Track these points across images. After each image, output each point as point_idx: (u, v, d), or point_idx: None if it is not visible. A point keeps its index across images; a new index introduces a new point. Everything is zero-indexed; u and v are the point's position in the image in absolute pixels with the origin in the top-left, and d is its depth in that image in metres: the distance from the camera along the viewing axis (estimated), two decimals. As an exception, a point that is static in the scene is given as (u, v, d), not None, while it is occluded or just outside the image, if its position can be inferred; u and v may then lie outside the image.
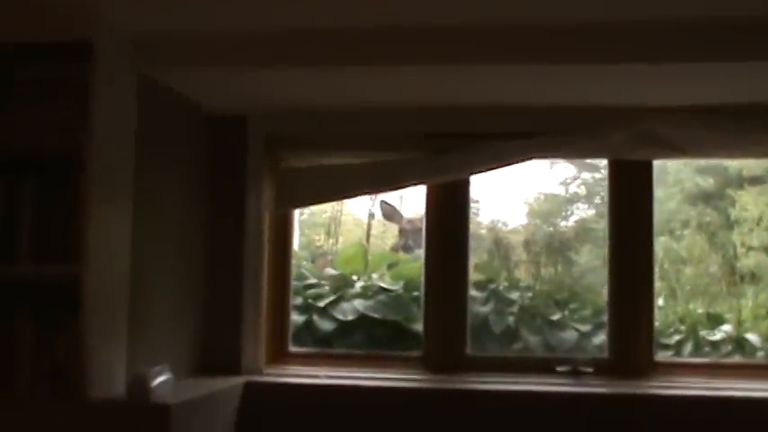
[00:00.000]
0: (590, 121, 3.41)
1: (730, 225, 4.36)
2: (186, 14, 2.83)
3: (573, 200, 4.83)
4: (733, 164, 4.43)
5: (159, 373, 2.83)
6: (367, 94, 3.39)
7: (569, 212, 4.83)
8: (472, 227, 3.75)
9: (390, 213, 4.53)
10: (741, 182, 4.45)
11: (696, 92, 3.24)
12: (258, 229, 3.63)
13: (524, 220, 4.60)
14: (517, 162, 3.48)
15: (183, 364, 3.39)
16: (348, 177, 3.58)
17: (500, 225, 4.50)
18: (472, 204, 3.82)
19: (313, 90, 3.36)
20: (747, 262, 4.23)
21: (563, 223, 4.69)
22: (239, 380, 3.39)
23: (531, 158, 3.49)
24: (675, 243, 4.34)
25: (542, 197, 4.74)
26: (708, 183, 4.64)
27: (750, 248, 4.27)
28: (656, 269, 3.60)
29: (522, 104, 3.44)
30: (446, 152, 3.50)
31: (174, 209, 3.35)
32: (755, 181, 4.42)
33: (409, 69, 3.02)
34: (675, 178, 4.65)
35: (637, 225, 3.52)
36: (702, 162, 4.62)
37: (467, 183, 3.64)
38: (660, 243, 4.12)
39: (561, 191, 4.80)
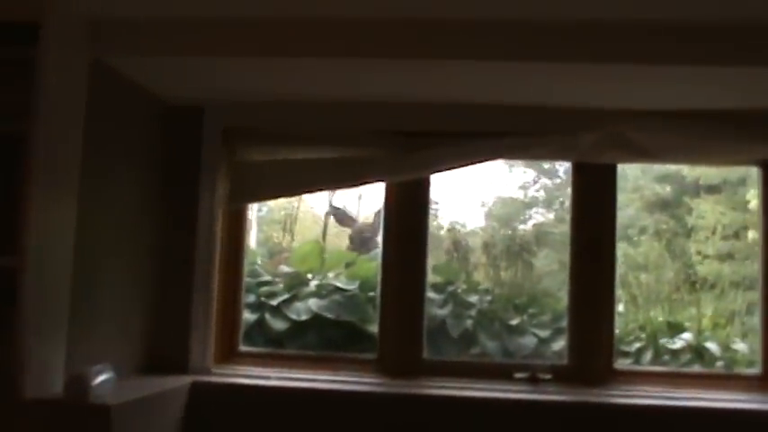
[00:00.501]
0: (559, 122, 3.34)
1: (687, 233, 4.34)
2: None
3: (532, 204, 4.80)
4: (691, 172, 4.40)
5: (100, 372, 2.70)
6: (329, 86, 3.27)
7: (528, 216, 4.78)
8: (431, 228, 3.65)
9: (341, 218, 4.43)
10: (698, 190, 4.44)
11: (668, 96, 3.18)
12: (211, 224, 3.49)
13: (483, 223, 4.53)
14: (483, 161, 3.41)
15: (129, 362, 3.26)
16: (306, 173, 3.46)
17: (458, 227, 4.44)
18: (432, 205, 3.73)
19: (273, 81, 3.24)
20: (703, 270, 4.19)
21: (521, 227, 4.61)
22: (186, 380, 3.25)
23: (497, 158, 3.43)
24: (633, 249, 4.28)
25: (501, 201, 4.69)
26: (665, 190, 4.59)
27: (706, 257, 4.24)
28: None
29: (490, 103, 3.34)
30: (410, 150, 3.40)
31: (124, 201, 3.20)
32: (712, 189, 4.41)
33: (373, 62, 2.92)
34: (634, 185, 4.59)
35: (599, 229, 3.44)
36: (661, 169, 4.62)
37: (427, 181, 3.54)
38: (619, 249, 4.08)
39: (520, 195, 4.77)
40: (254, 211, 4.53)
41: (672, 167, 4.59)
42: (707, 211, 4.42)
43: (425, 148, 3.37)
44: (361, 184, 3.55)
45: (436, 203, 4.29)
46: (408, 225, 3.52)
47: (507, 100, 3.31)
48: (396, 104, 3.39)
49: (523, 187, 4.85)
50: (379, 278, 3.55)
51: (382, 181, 3.51)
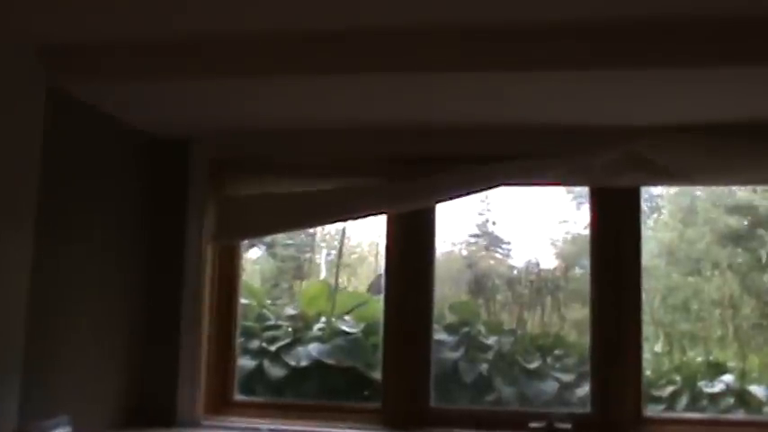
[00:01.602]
0: (569, 142, 3.03)
1: (762, 267, 4.00)
2: (108, 20, 2.43)
3: None
4: (762, 201, 4.09)
5: (52, 428, 2.45)
6: (322, 111, 3.02)
7: None
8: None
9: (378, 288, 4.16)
10: None
11: (691, 107, 2.83)
12: (198, 262, 3.25)
13: (554, 262, 4.20)
14: (487, 188, 3.13)
15: (104, 414, 3.02)
16: (299, 207, 3.21)
17: (532, 266, 4.09)
18: (503, 246, 3.40)
19: (263, 108, 3.01)
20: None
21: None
22: (168, 433, 3.00)
23: (505, 184, 3.13)
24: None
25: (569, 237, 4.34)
26: (739, 223, 4.28)
27: None
28: (647, 308, 3.18)
29: (494, 124, 3.06)
30: (411, 177, 3.12)
31: (99, 239, 2.98)
32: None
33: (368, 78, 2.64)
34: (705, 217, 4.31)
35: (622, 263, 3.10)
36: (731, 200, 4.29)
37: (432, 211, 3.25)
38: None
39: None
40: (322, 255, 4.36)
41: (742, 197, 4.27)
42: None
43: (428, 175, 3.09)
44: (358, 217, 3.27)
45: (508, 243, 4.08)
46: (412, 260, 3.23)
47: (514, 120, 3.02)
48: (394, 128, 3.12)
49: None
50: (382, 320, 3.26)
51: (382, 213, 3.24)
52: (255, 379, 3.51)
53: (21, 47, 2.55)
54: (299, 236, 4.37)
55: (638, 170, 2.99)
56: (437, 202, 3.21)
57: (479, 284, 4.02)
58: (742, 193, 4.30)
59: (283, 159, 3.27)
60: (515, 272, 4.07)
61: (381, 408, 3.20)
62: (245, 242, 3.61)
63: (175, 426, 3.12)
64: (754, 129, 2.89)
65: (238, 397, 3.36)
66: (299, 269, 4.47)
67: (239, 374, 3.40)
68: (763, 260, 4.01)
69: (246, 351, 3.57)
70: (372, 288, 4.11)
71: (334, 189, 3.19)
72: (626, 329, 3.05)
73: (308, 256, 4.45)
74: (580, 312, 3.86)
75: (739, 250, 4.15)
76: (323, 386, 3.46)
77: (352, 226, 4.20)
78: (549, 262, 4.11)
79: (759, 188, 4.07)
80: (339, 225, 4.28)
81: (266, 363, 3.52)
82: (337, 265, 4.07)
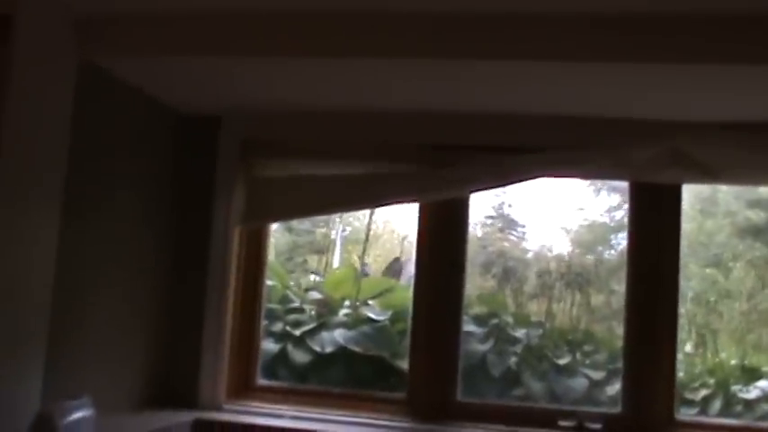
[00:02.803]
0: (609, 135, 2.94)
1: None
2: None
3: (616, 229, 4.35)
4: None
5: (75, 409, 2.39)
6: (357, 95, 2.95)
7: (613, 242, 4.35)
8: (517, 252, 3.23)
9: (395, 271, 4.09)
10: None
11: (736, 104, 2.74)
12: (225, 244, 3.20)
13: (568, 248, 4.14)
14: (524, 180, 3.02)
15: (128, 396, 2.98)
16: (330, 190, 3.13)
17: (545, 251, 4.04)
18: (518, 229, 3.35)
19: (295, 88, 2.93)
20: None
21: (606, 253, 4.19)
22: (188, 417, 2.94)
23: (540, 176, 3.02)
24: (724, 277, 3.87)
25: (584, 225, 4.27)
26: (759, 216, 4.18)
27: None
28: (682, 310, 3.08)
29: (532, 114, 2.97)
30: (444, 166, 3.04)
31: (125, 218, 2.92)
32: None
33: (404, 63, 2.56)
34: (726, 210, 4.22)
35: (660, 258, 3.00)
36: (753, 193, 4.18)
37: (466, 201, 3.17)
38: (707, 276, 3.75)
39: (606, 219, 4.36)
40: (338, 231, 4.30)
41: (764, 191, 4.12)
42: None
43: (460, 164, 3.01)
44: (389, 204, 3.18)
45: (523, 227, 4.02)
46: (445, 249, 3.15)
47: (551, 110, 2.93)
48: (430, 115, 3.04)
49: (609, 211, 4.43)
50: (410, 308, 3.19)
51: (414, 201, 3.16)
52: (279, 363, 3.44)
53: (53, 20, 2.48)
54: None
55: (680, 167, 2.88)
56: (471, 192, 3.12)
57: (506, 273, 3.95)
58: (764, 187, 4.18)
59: (315, 142, 3.18)
60: (529, 254, 4.02)
61: (407, 398, 3.14)
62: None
63: (197, 409, 3.07)
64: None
65: (261, 381, 3.30)
66: (314, 244, 4.42)
67: (262, 358, 3.34)
68: None
69: (270, 334, 3.50)
70: (389, 271, 4.04)
71: (366, 174, 3.11)
72: (661, 327, 2.97)
73: (324, 231, 4.40)
74: (608, 306, 3.79)
75: (758, 244, 4.07)
76: (348, 373, 3.40)
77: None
78: (564, 247, 4.07)
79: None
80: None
81: (290, 347, 3.46)
82: (363, 249, 3.99)
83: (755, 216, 4.16)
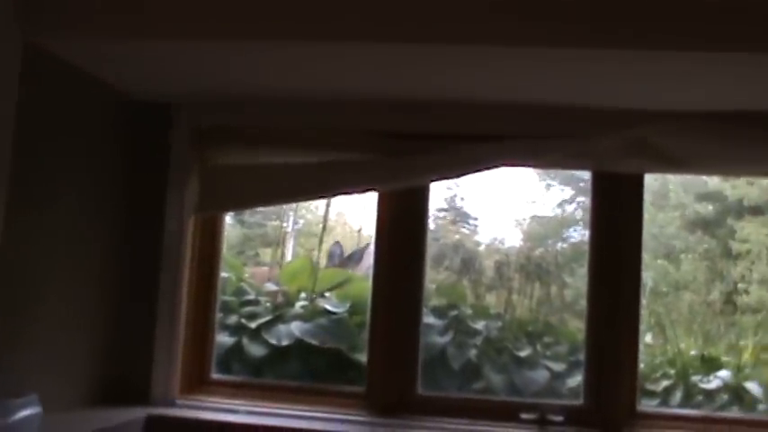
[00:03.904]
0: (572, 124, 2.90)
1: (729, 254, 3.94)
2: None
3: (569, 223, 4.37)
4: (733, 191, 4.05)
5: (20, 408, 2.29)
6: (313, 81, 2.85)
7: (565, 235, 4.34)
8: (469, 245, 3.27)
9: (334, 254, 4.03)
10: (741, 211, 4.08)
11: (703, 93, 2.71)
12: (179, 235, 3.10)
13: (520, 242, 4.13)
14: (486, 168, 2.97)
15: (75, 393, 2.86)
16: (287, 179, 3.05)
17: (497, 244, 4.01)
18: (470, 222, 3.35)
19: (251, 74, 2.83)
20: (746, 296, 3.78)
21: (559, 245, 4.18)
22: (140, 413, 2.84)
23: (501, 165, 2.97)
24: (674, 268, 3.91)
25: (536, 219, 4.26)
26: (707, 210, 4.25)
27: (749, 282, 3.85)
28: (644, 301, 3.06)
29: (492, 102, 2.90)
30: (403, 154, 2.97)
31: (73, 207, 2.80)
32: (757, 211, 4.06)
33: (362, 48, 2.47)
34: (676, 203, 4.28)
35: (622, 249, 2.98)
36: (702, 187, 4.28)
37: (426, 190, 3.11)
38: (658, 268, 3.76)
39: (557, 213, 4.35)
40: (290, 223, 4.21)
41: (712, 185, 4.22)
42: (751, 233, 3.99)
43: (423, 153, 2.95)
44: (347, 193, 3.10)
45: (475, 219, 3.98)
46: (404, 240, 3.09)
47: (512, 97, 2.87)
48: (389, 102, 2.96)
49: (560, 206, 4.43)
50: (369, 300, 3.12)
51: (373, 189, 3.09)
52: (233, 357, 3.35)
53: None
54: None
55: (643, 156, 2.86)
56: (430, 182, 3.07)
57: (464, 265, 3.90)
58: (713, 180, 4.27)
59: (270, 130, 3.09)
60: (482, 248, 3.98)
61: (365, 392, 3.07)
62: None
63: (149, 404, 2.98)
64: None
65: (215, 375, 3.21)
66: (267, 237, 4.34)
67: (216, 352, 3.25)
68: (732, 249, 3.96)
69: (224, 327, 3.40)
70: (330, 258, 3.97)
71: (324, 162, 3.03)
72: (623, 319, 2.94)
73: (276, 224, 4.32)
74: (565, 296, 3.78)
75: (707, 237, 4.10)
76: (304, 367, 3.30)
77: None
78: (515, 240, 4.07)
79: (731, 177, 4.01)
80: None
81: (245, 340, 3.36)
82: (320, 238, 3.91)
83: (704, 209, 4.19)
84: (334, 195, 3.32)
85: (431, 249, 3.27)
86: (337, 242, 4.03)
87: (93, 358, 2.96)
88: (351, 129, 3.06)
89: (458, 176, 3.02)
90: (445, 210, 4.08)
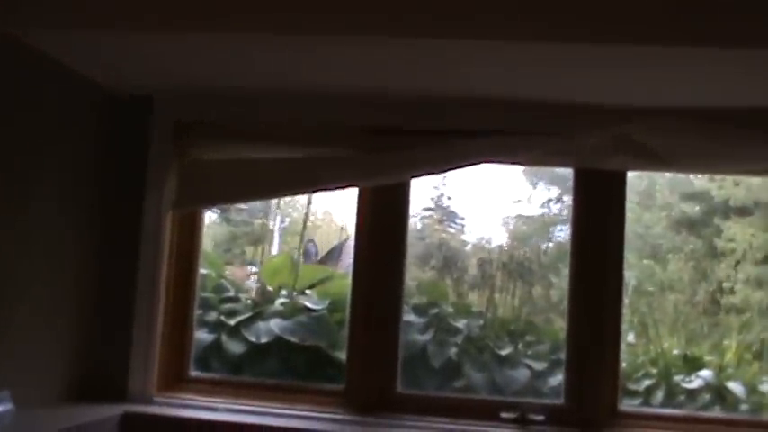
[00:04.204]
0: (556, 120, 2.88)
1: (715, 254, 3.94)
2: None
3: (554, 222, 4.37)
4: (719, 192, 4.05)
5: (-8, 403, 2.26)
6: (296, 75, 2.80)
7: (550, 235, 4.34)
8: (455, 244, 3.26)
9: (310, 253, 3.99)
10: (727, 211, 4.08)
11: (689, 90, 2.68)
12: (157, 230, 3.06)
13: (505, 240, 4.10)
14: (466, 165, 2.94)
15: (55, 389, 2.83)
16: (266, 175, 3.02)
17: (483, 243, 3.99)
18: (457, 221, 3.33)
19: (232, 67, 2.78)
20: (730, 295, 3.77)
21: (544, 245, 4.16)
22: (116, 410, 2.80)
23: (483, 161, 2.95)
24: (660, 268, 3.89)
25: (522, 218, 4.25)
26: (693, 210, 4.25)
27: (735, 282, 3.84)
28: (626, 300, 3.04)
29: (477, 97, 2.87)
30: (385, 150, 2.94)
31: (48, 201, 2.76)
32: (743, 211, 4.05)
33: (345, 41, 2.43)
34: (663, 203, 4.28)
35: (605, 248, 2.95)
36: (688, 187, 4.28)
37: (407, 186, 3.08)
38: (642, 267, 3.75)
39: (543, 212, 4.37)
40: (276, 221, 4.20)
41: (699, 185, 4.22)
42: (736, 233, 4.00)
43: (402, 148, 2.92)
44: (328, 189, 3.07)
45: (462, 219, 3.97)
46: (384, 236, 3.06)
47: (498, 93, 2.84)
48: (370, 97, 2.93)
49: (545, 205, 4.44)
50: (348, 297, 3.09)
51: (353, 185, 3.05)
52: (212, 354, 3.31)
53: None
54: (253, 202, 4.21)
55: (627, 153, 2.84)
56: (412, 178, 3.03)
57: (447, 263, 3.88)
58: (699, 180, 4.27)
59: (251, 124, 3.05)
60: (468, 247, 3.98)
61: (344, 390, 3.04)
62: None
63: (126, 401, 2.93)
64: (755, 116, 2.75)
65: (193, 373, 3.17)
66: (253, 235, 4.31)
67: (195, 349, 3.21)
68: (718, 248, 3.96)
69: (203, 324, 3.37)
70: (306, 256, 3.94)
71: (304, 158, 3.00)
72: (605, 318, 2.91)
73: (261, 222, 4.29)
74: (550, 296, 3.77)
75: (692, 237, 4.09)
76: (283, 365, 3.28)
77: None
78: (501, 239, 4.04)
79: (717, 177, 4.02)
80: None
81: (224, 337, 3.33)
82: (301, 236, 3.88)
83: (690, 209, 4.19)
84: (316, 191, 3.28)
85: (416, 248, 3.25)
86: (311, 240, 4.00)
87: (70, 355, 2.91)
88: (332, 124, 3.02)
89: (440, 172, 3.02)
90: (432, 209, 4.07)
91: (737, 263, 3.87)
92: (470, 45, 2.38)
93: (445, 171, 3.00)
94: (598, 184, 2.97)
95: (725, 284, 3.81)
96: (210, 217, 4.26)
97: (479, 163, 2.93)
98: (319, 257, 3.99)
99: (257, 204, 4.17)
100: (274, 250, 4.14)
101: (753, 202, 4.02)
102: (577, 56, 2.41)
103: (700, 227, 4.17)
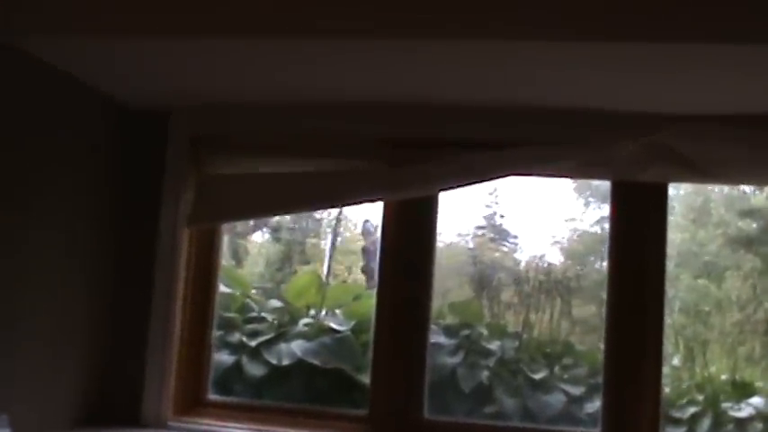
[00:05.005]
0: (591, 129, 2.71)
1: None
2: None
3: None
4: None
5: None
6: (314, 85, 2.68)
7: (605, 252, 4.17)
8: (509, 263, 3.24)
9: (368, 231, 3.86)
10: None
11: (730, 94, 2.49)
12: (173, 247, 2.94)
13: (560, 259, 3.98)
14: (496, 177, 2.80)
15: (63, 413, 2.72)
16: (286, 189, 2.89)
17: (536, 262, 3.82)
18: (509, 240, 3.31)
19: (248, 78, 2.68)
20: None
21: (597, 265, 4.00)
22: (127, 436, 2.69)
23: (513, 174, 2.78)
24: (716, 287, 3.73)
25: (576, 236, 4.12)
26: (751, 227, 4.05)
27: None
28: (670, 320, 2.84)
29: (504, 105, 2.72)
30: (410, 162, 2.79)
31: (61, 219, 2.66)
32: None
33: (366, 46, 2.30)
34: (718, 220, 4.09)
35: (645, 265, 2.76)
36: (745, 204, 4.07)
37: (434, 200, 2.93)
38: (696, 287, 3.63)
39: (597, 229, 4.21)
40: (328, 241, 4.09)
41: (756, 202, 4.04)
42: None
43: (428, 160, 2.77)
44: (350, 204, 2.96)
45: (515, 237, 3.84)
46: (410, 253, 2.91)
47: (529, 102, 2.68)
48: (396, 107, 2.78)
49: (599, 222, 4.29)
50: (373, 317, 2.94)
51: (377, 199, 2.92)
52: (233, 377, 3.19)
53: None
54: (304, 220, 4.14)
55: (665, 164, 2.65)
56: (440, 191, 2.89)
57: (483, 281, 3.72)
58: (756, 198, 4.10)
59: (269, 138, 2.94)
60: (521, 266, 3.82)
61: (368, 416, 2.88)
62: (249, 224, 3.31)
63: (139, 426, 2.82)
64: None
65: (212, 396, 3.05)
66: (304, 254, 4.21)
67: (215, 371, 3.10)
68: None
69: (225, 345, 3.25)
70: (366, 235, 3.81)
71: (325, 172, 2.87)
72: (645, 340, 2.72)
73: (313, 241, 4.20)
74: (590, 317, 3.60)
75: (750, 255, 3.90)
76: (305, 388, 3.14)
77: (353, 211, 3.94)
78: (555, 258, 3.88)
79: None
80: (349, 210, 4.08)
81: (245, 359, 3.20)
82: (330, 254, 3.75)
83: (747, 226, 4.01)
84: (337, 206, 3.17)
85: (467, 269, 3.10)
86: (368, 220, 3.87)
87: (79, 376, 2.81)
88: (353, 135, 2.89)
89: (467, 186, 2.82)
90: (483, 227, 3.96)
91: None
92: (496, 46, 2.23)
93: (475, 183, 2.83)
94: (637, 197, 2.78)
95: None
96: (263, 236, 4.26)
97: (509, 175, 2.77)
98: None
99: (309, 223, 4.11)
100: (325, 269, 4.03)
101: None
102: (607, 56, 2.24)
103: (757, 244, 3.98)
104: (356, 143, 2.88)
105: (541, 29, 2.15)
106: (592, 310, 3.61)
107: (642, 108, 2.63)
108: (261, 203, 2.93)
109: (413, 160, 2.79)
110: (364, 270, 3.75)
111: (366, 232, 3.88)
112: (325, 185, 2.87)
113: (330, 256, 3.76)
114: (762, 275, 3.77)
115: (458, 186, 2.86)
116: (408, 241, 2.92)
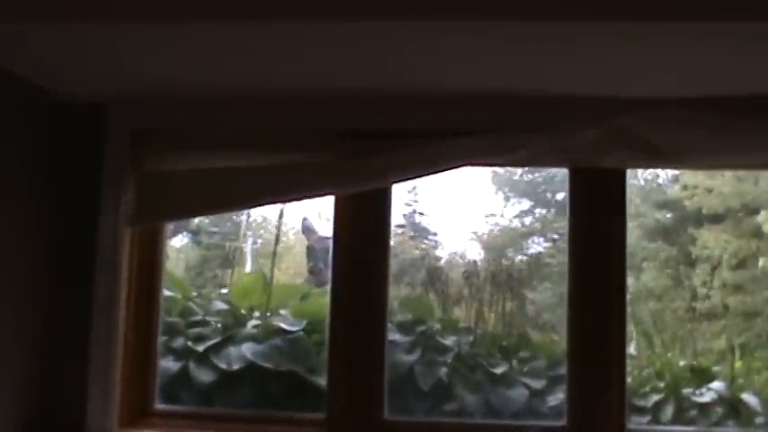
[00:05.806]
0: (547, 116, 2.66)
1: (691, 262, 3.96)
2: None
3: (529, 233, 4.37)
4: (690, 202, 4.12)
5: None
6: (259, 75, 2.60)
7: (525, 247, 4.32)
8: (429, 260, 3.27)
9: (308, 229, 3.78)
10: (701, 220, 4.12)
11: (688, 76, 2.47)
12: (114, 248, 2.80)
13: (480, 254, 4.04)
14: (453, 167, 2.73)
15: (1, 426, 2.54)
16: (233, 185, 2.78)
17: (458, 258, 3.90)
18: (430, 237, 3.23)
19: (189, 68, 2.57)
20: (711, 301, 3.78)
21: (518, 257, 4.09)
22: (72, 450, 2.54)
23: (469, 163, 2.73)
24: (636, 279, 3.87)
25: (496, 230, 4.22)
26: (666, 218, 4.32)
27: (712, 288, 3.86)
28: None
29: (460, 92, 2.66)
30: (363, 153, 2.71)
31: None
32: (716, 219, 4.09)
33: (311, 29, 2.17)
34: (635, 211, 4.29)
35: (605, 253, 2.74)
36: (660, 196, 4.32)
37: (388, 193, 2.85)
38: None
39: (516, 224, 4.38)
40: (248, 243, 4.06)
41: (672, 194, 4.25)
42: (710, 240, 4.01)
43: (382, 151, 2.69)
44: (302, 198, 2.85)
45: (435, 234, 3.90)
46: (364, 249, 2.83)
47: (484, 89, 2.62)
48: (345, 97, 2.72)
49: (519, 217, 4.43)
50: (327, 317, 2.84)
51: (329, 193, 2.83)
52: (180, 384, 3.05)
53: None
54: (225, 223, 4.13)
55: (626, 149, 2.64)
56: (394, 182, 2.82)
57: (431, 277, 3.68)
58: (671, 190, 4.32)
59: (215, 131, 2.84)
60: (441, 263, 3.87)
61: (326, 419, 2.81)
62: (169, 227, 3.17)
63: (84, 439, 2.68)
64: (756, 104, 2.55)
65: (159, 406, 2.93)
66: (225, 258, 4.16)
67: (161, 379, 2.96)
68: (693, 256, 3.96)
69: (170, 351, 3.12)
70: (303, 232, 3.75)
71: (273, 165, 2.78)
72: (608, 329, 2.70)
73: (234, 244, 4.13)
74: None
75: (666, 246, 4.09)
76: (258, 393, 3.03)
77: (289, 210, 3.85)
78: (476, 254, 4.00)
79: (689, 185, 4.07)
80: (268, 211, 4.15)
81: (192, 365, 3.06)
82: (274, 252, 3.64)
83: (663, 217, 4.20)
84: (287, 201, 3.05)
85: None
86: (305, 218, 3.79)
87: (17, 389, 2.65)
88: (303, 127, 2.81)
89: (422, 176, 2.77)
90: (403, 226, 4.00)
91: (713, 269, 3.85)
92: (448, 26, 2.12)
93: (428, 174, 2.76)
94: (595, 185, 2.76)
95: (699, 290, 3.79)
96: (182, 240, 4.17)
97: (465, 164, 2.72)
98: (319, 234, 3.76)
99: (229, 226, 4.06)
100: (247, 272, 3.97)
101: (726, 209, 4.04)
102: (565, 37, 2.17)
103: (674, 235, 4.19)
104: (306, 135, 2.80)
105: (499, 7, 2.07)
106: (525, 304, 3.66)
107: (600, 92, 2.60)
108: (207, 200, 2.81)
109: (365, 152, 2.71)
110: (311, 270, 3.66)
111: (306, 230, 3.79)
112: (275, 180, 2.77)
113: (274, 254, 3.64)
114: (678, 265, 3.92)
115: (412, 177, 2.82)
116: (361, 236, 2.84)
